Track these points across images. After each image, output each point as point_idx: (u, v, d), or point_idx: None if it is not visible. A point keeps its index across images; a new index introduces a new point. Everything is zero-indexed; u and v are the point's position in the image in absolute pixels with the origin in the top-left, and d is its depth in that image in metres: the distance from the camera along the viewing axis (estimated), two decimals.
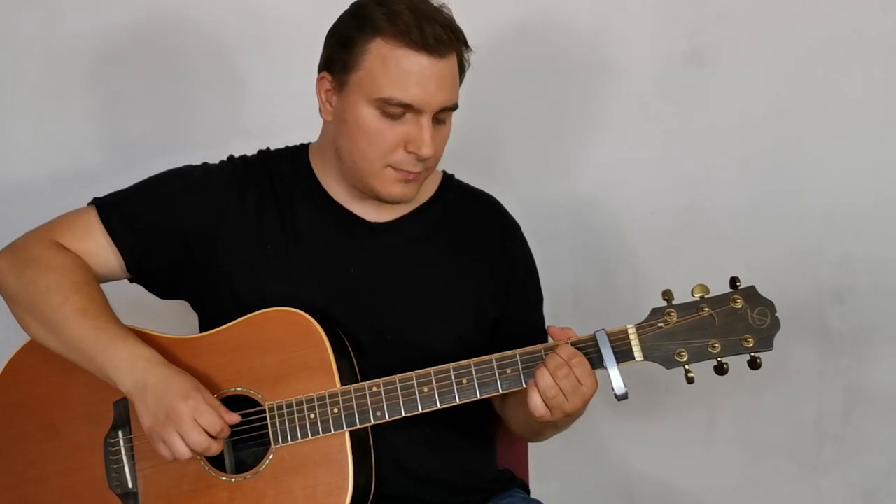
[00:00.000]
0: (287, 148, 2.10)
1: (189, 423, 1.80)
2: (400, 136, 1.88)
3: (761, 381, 2.72)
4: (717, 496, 2.83)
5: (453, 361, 1.86)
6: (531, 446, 2.31)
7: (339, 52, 1.90)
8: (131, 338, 1.90)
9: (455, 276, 2.02)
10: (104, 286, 2.02)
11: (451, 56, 1.87)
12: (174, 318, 2.22)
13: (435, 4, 1.90)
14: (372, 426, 1.89)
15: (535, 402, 1.81)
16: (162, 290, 2.08)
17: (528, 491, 2.18)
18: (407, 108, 1.86)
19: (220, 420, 1.82)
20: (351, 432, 1.86)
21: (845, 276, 2.70)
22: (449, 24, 1.87)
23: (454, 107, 1.91)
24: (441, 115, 1.89)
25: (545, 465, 2.48)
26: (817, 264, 2.70)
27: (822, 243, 2.69)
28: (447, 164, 2.13)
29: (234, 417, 1.85)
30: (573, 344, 1.83)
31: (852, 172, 2.65)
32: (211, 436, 1.82)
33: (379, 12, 1.86)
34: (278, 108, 2.60)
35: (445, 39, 1.84)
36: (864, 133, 2.63)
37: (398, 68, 1.84)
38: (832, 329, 2.73)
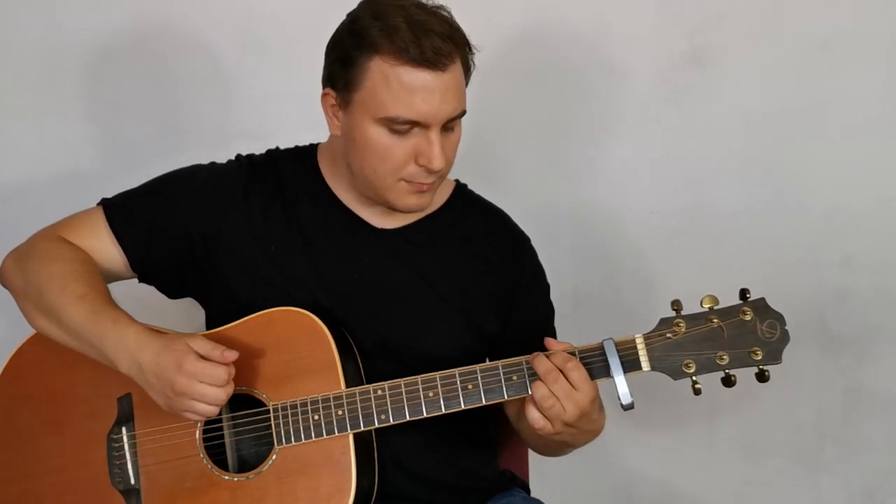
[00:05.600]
0: (296, 148, 2.09)
1: (196, 387, 1.79)
2: (410, 151, 1.86)
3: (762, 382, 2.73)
4: (717, 496, 2.83)
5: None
6: None
7: (340, 70, 1.87)
8: (122, 318, 1.89)
9: (458, 285, 2.02)
10: (113, 284, 2.03)
11: (453, 66, 1.83)
12: (180, 317, 2.23)
13: (431, 6, 1.87)
14: (374, 429, 1.89)
15: (533, 415, 1.81)
16: (169, 289, 2.09)
17: (528, 491, 2.19)
18: (414, 123, 1.83)
19: (221, 369, 1.80)
20: (354, 434, 1.86)
21: (845, 276, 2.70)
22: (448, 33, 1.83)
23: (462, 114, 1.88)
24: (450, 124, 1.87)
25: (545, 465, 2.47)
26: (817, 265, 2.70)
27: (822, 243, 2.69)
28: None
29: (232, 354, 1.82)
30: (580, 352, 1.83)
31: (852, 172, 2.64)
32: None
33: (375, 28, 1.82)
34: (280, 109, 2.60)
35: (446, 50, 1.80)
36: (864, 133, 2.63)
37: (400, 86, 1.81)
38: (832, 329, 2.73)
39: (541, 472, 2.37)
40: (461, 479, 2.04)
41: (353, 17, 1.88)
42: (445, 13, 1.87)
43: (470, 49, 1.88)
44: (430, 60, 1.79)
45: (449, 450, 2.03)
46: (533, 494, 2.17)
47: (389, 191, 1.90)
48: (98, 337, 1.88)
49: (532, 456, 2.32)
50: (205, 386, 1.79)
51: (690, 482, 2.83)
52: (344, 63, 1.86)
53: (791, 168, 2.66)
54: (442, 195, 2.06)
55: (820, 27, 2.60)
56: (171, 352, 1.81)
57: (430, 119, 1.82)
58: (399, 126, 1.83)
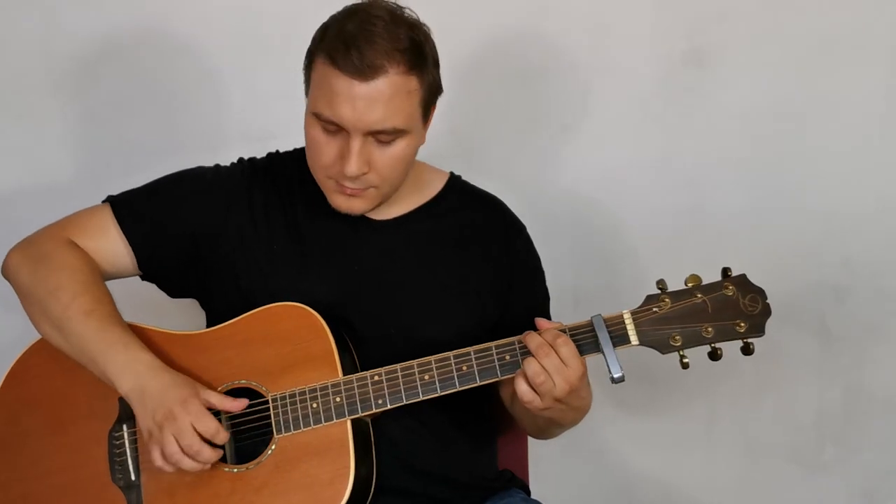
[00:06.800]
0: (294, 150, 2.12)
1: (185, 426, 1.82)
2: (336, 151, 1.90)
3: (761, 381, 2.73)
4: (717, 496, 2.83)
5: None
6: (531, 447, 2.32)
7: (306, 64, 1.94)
8: (133, 343, 1.91)
9: (457, 273, 2.03)
10: (115, 283, 2.04)
11: (381, 79, 1.83)
12: (181, 317, 2.23)
13: (406, 19, 1.89)
14: (373, 423, 1.91)
15: (522, 389, 1.82)
16: (172, 287, 2.11)
17: (528, 491, 2.19)
18: (338, 125, 1.87)
19: (215, 425, 1.84)
20: (353, 426, 1.87)
21: (845, 276, 2.71)
22: (388, 48, 1.84)
23: (394, 130, 1.89)
24: (384, 137, 1.89)
25: (545, 465, 2.48)
26: (817, 264, 2.70)
27: (823, 243, 2.69)
28: (449, 164, 2.14)
29: (240, 404, 1.87)
30: (570, 329, 1.85)
31: (852, 172, 2.65)
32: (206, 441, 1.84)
33: (332, 29, 1.88)
34: (280, 109, 2.58)
35: (374, 63, 1.82)
36: (864, 133, 2.63)
37: (329, 87, 1.85)
38: (832, 329, 2.73)
39: (541, 472, 2.37)
40: (461, 475, 2.04)
41: (332, 17, 1.93)
42: (412, 32, 1.88)
43: (425, 70, 1.90)
44: (354, 70, 1.83)
45: (448, 446, 2.03)
46: (533, 495, 2.17)
47: (323, 185, 1.97)
48: (101, 354, 1.90)
49: (532, 456, 2.33)
50: (193, 434, 1.83)
51: (690, 482, 2.83)
52: (307, 57, 1.93)
53: (791, 168, 2.66)
54: (435, 186, 2.09)
55: (820, 27, 2.60)
56: (185, 388, 1.86)
57: (349, 124, 1.86)
58: (326, 124, 1.88)
